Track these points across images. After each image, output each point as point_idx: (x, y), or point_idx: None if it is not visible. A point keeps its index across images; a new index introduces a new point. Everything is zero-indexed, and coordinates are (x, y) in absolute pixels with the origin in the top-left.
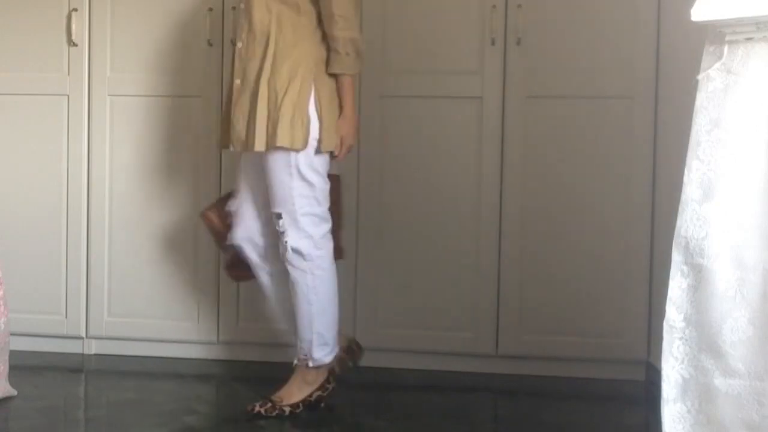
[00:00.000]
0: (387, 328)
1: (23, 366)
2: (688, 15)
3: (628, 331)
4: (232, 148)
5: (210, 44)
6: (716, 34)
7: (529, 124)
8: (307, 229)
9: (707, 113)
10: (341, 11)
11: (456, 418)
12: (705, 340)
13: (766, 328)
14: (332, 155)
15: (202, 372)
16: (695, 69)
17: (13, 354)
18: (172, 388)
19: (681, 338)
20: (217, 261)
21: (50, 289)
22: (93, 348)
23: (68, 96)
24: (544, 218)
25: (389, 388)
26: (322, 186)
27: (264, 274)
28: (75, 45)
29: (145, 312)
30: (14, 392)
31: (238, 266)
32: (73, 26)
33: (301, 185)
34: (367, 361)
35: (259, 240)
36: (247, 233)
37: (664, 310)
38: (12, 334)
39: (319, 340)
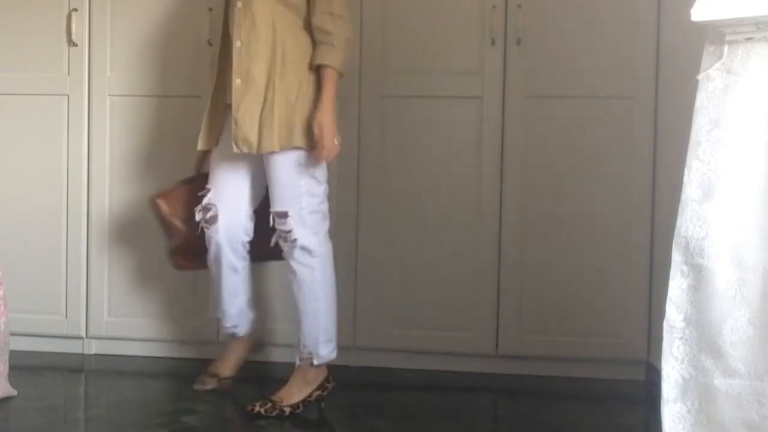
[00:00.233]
0: (387, 328)
1: (23, 366)
2: (688, 15)
3: (628, 331)
4: (235, 149)
5: (210, 44)
6: (716, 34)
7: (529, 124)
8: (315, 227)
9: (707, 113)
10: (340, 11)
11: (456, 418)
12: (705, 340)
13: (766, 328)
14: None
15: (202, 372)
16: (695, 69)
17: (13, 354)
18: (172, 388)
19: (681, 338)
20: None
21: (50, 289)
22: (93, 348)
23: (68, 96)
24: (543, 218)
25: (389, 388)
26: (325, 184)
27: (229, 270)
28: (75, 45)
29: (145, 312)
30: (14, 392)
31: (185, 255)
32: (73, 26)
33: (309, 183)
34: (367, 361)
35: (243, 236)
36: (230, 230)
37: (664, 310)
38: (12, 334)
39: (325, 336)
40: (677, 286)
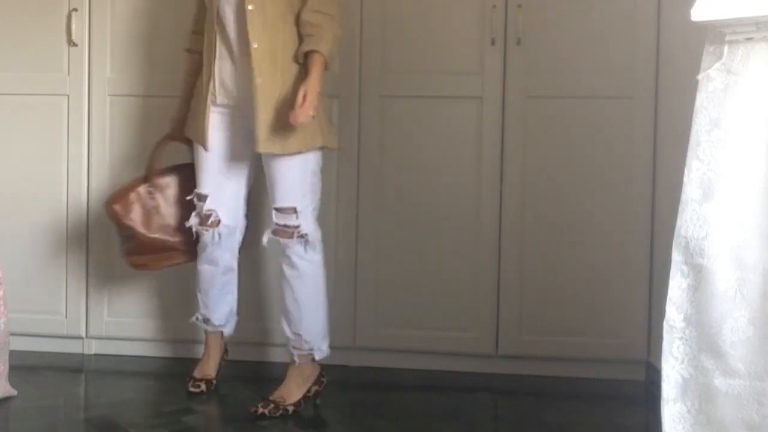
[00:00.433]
0: (387, 328)
1: (23, 366)
2: (688, 15)
3: (628, 331)
4: (262, 149)
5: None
6: (716, 34)
7: (529, 124)
8: (316, 223)
9: (707, 113)
10: (331, 11)
11: (456, 418)
12: (705, 340)
13: (766, 328)
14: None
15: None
16: (695, 69)
17: (13, 354)
18: (171, 388)
19: (681, 338)
20: None
21: (50, 289)
22: (93, 348)
23: (68, 96)
24: (543, 218)
25: (389, 388)
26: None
27: (226, 270)
28: (75, 45)
29: (145, 312)
30: (14, 392)
31: (140, 254)
32: (73, 26)
33: (313, 181)
34: (367, 361)
35: (239, 236)
36: (230, 232)
37: (664, 310)
38: (12, 334)
39: (324, 330)
40: (677, 286)
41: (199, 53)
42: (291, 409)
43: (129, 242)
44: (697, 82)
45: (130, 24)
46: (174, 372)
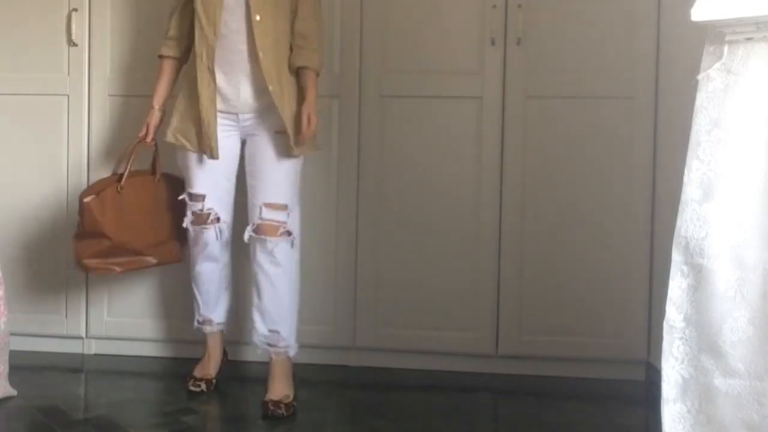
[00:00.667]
0: (387, 328)
1: (23, 366)
2: (688, 15)
3: (628, 331)
4: (299, 152)
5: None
6: (716, 34)
7: (529, 124)
8: (298, 221)
9: (707, 113)
10: (318, 15)
11: (456, 418)
12: (705, 340)
13: (766, 328)
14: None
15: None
16: (695, 69)
17: (13, 354)
18: (171, 388)
19: (681, 338)
20: None
21: (50, 289)
22: (93, 348)
23: (68, 96)
24: (543, 218)
25: (389, 388)
26: None
27: (223, 266)
28: (75, 45)
29: (144, 312)
30: (14, 392)
31: (99, 258)
32: (73, 26)
33: (298, 182)
34: (367, 361)
35: (227, 232)
36: (226, 228)
37: (664, 310)
38: (12, 334)
39: (295, 327)
40: (677, 286)
41: (176, 59)
42: (295, 404)
43: (95, 245)
44: (697, 82)
45: (130, 24)
46: (174, 372)
